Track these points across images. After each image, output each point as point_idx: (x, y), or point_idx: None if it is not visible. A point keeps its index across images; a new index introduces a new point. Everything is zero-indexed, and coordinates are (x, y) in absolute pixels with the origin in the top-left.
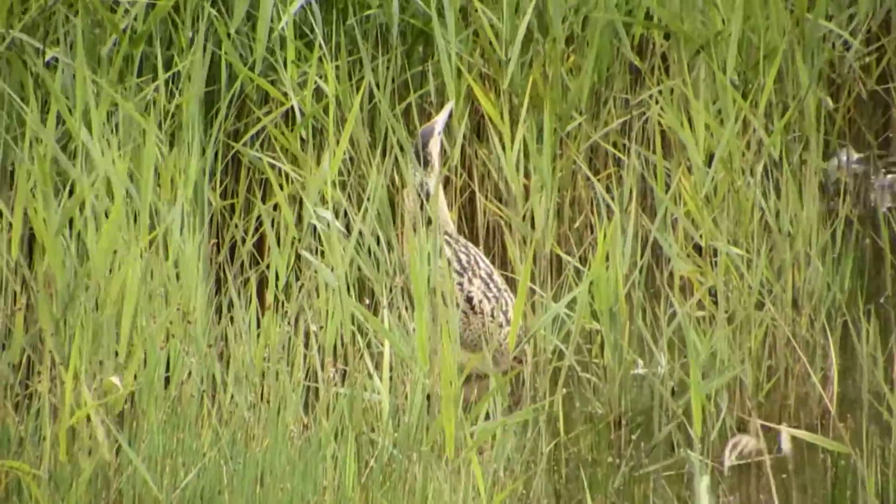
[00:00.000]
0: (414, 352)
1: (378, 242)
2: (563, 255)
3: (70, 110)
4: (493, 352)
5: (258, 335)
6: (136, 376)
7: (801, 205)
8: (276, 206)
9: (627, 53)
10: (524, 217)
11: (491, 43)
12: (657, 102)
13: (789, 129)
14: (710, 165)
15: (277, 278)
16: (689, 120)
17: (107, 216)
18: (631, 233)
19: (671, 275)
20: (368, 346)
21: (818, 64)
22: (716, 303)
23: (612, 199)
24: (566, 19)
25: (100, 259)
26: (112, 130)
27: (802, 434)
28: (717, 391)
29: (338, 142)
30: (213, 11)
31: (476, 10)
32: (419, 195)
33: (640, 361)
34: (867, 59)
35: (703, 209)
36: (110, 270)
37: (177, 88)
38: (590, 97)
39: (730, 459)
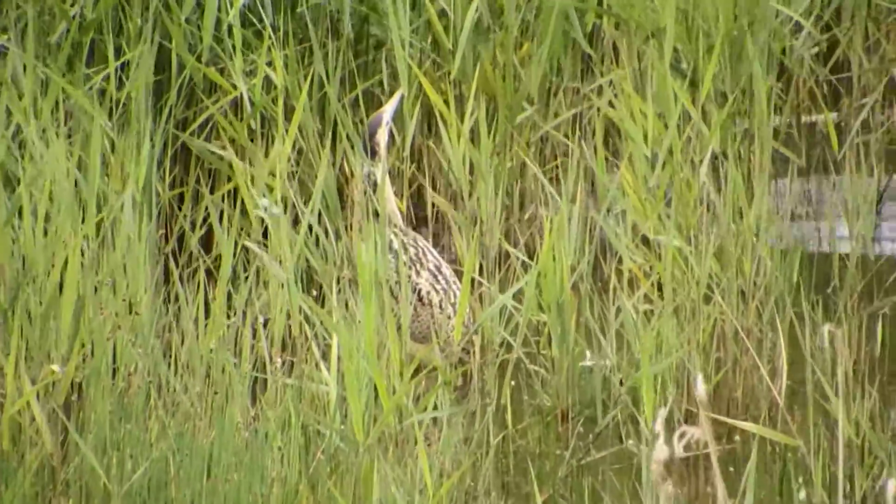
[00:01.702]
0: (361, 343)
1: (326, 233)
2: (510, 249)
3: (20, 98)
4: (442, 344)
5: (205, 326)
6: (83, 366)
7: (748, 197)
8: (224, 197)
9: (580, 40)
10: (470, 210)
11: (439, 31)
12: (608, 91)
13: (739, 118)
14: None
15: (223, 269)
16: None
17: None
18: (578, 225)
19: (619, 267)
20: (316, 336)
21: (767, 49)
22: (663, 296)
23: (562, 188)
24: (520, 8)
25: (43, 249)
26: (62, 120)
27: (750, 426)
28: (665, 383)
29: (286, 132)
30: None
31: None
32: (366, 186)
33: (588, 353)
34: (818, 48)
35: (648, 201)
36: (56, 262)
37: (126, 77)
38: (541, 87)
39: (678, 449)
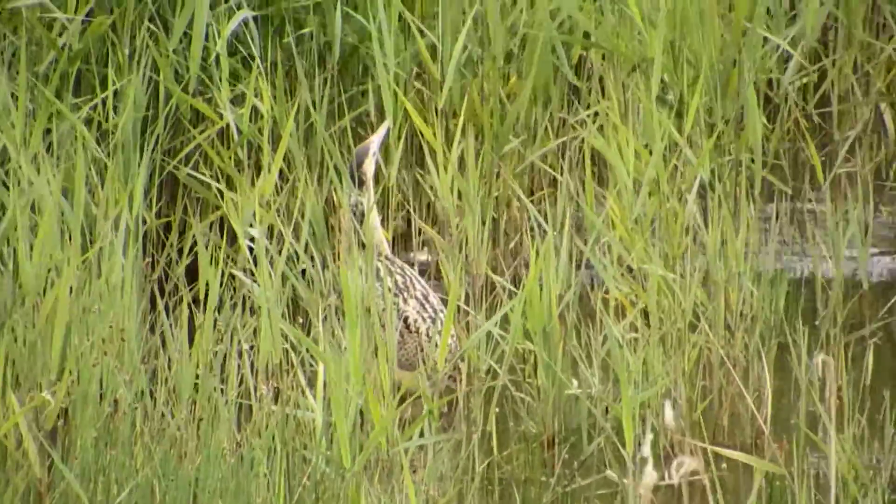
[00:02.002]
0: (347, 371)
1: (313, 261)
2: (495, 278)
3: (12, 126)
4: (428, 371)
5: (191, 353)
6: (68, 392)
7: (734, 227)
8: (211, 226)
9: (565, 71)
10: (456, 239)
11: (428, 62)
12: (593, 123)
13: (726, 150)
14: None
15: (209, 296)
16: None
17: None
18: (565, 254)
19: (606, 296)
20: (302, 363)
21: (752, 80)
22: (649, 325)
23: (547, 219)
24: (506, 40)
25: (32, 276)
26: (47, 150)
27: (736, 455)
28: (651, 411)
29: (272, 161)
30: (152, 27)
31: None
32: (353, 215)
33: (575, 382)
34: (804, 80)
35: (634, 232)
36: (45, 290)
37: (114, 107)
38: (527, 118)
39: (675, 479)
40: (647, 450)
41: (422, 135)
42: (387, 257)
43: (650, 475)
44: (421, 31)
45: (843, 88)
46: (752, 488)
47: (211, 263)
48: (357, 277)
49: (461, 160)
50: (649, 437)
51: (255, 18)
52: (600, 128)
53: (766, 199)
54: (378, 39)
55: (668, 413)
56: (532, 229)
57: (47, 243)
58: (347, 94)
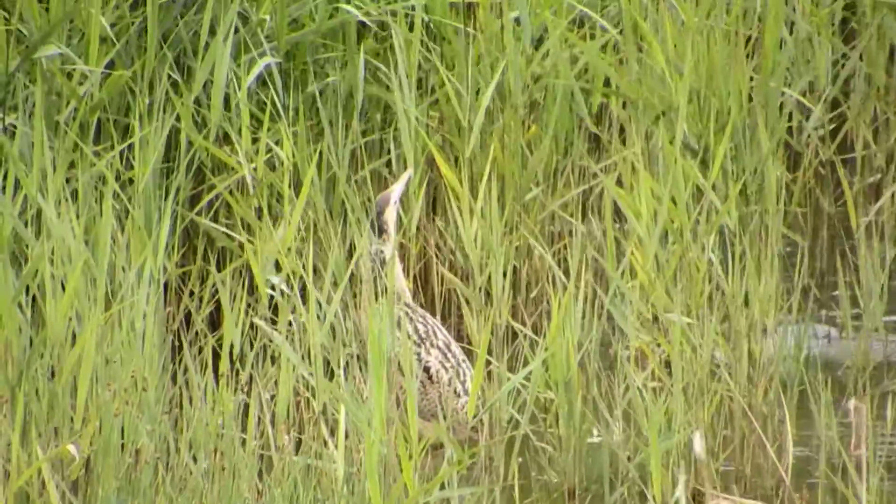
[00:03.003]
0: (371, 420)
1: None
2: (518, 327)
3: (26, 176)
4: (451, 422)
5: (212, 403)
6: (91, 443)
7: (758, 276)
8: (231, 275)
9: (586, 120)
10: (480, 288)
11: (456, 109)
12: (614, 171)
13: (749, 199)
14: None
15: (232, 346)
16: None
17: (63, 286)
18: (584, 304)
19: (627, 344)
20: (324, 412)
21: (776, 131)
22: (670, 373)
23: (570, 267)
24: (525, 88)
25: (56, 327)
26: (69, 198)
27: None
28: (674, 461)
29: (293, 208)
30: (172, 75)
31: (440, 76)
32: (375, 264)
33: (596, 430)
34: (822, 131)
35: (655, 280)
36: (66, 337)
37: (134, 156)
38: (548, 166)
39: None
40: (680, 490)
41: (445, 183)
42: (408, 305)
43: None
44: (445, 77)
45: (863, 135)
46: None
47: (231, 312)
48: (381, 326)
49: (482, 210)
50: (682, 479)
51: (277, 66)
52: (619, 181)
53: (790, 247)
54: (399, 88)
55: (698, 444)
56: (553, 278)
57: (73, 293)
58: (367, 142)
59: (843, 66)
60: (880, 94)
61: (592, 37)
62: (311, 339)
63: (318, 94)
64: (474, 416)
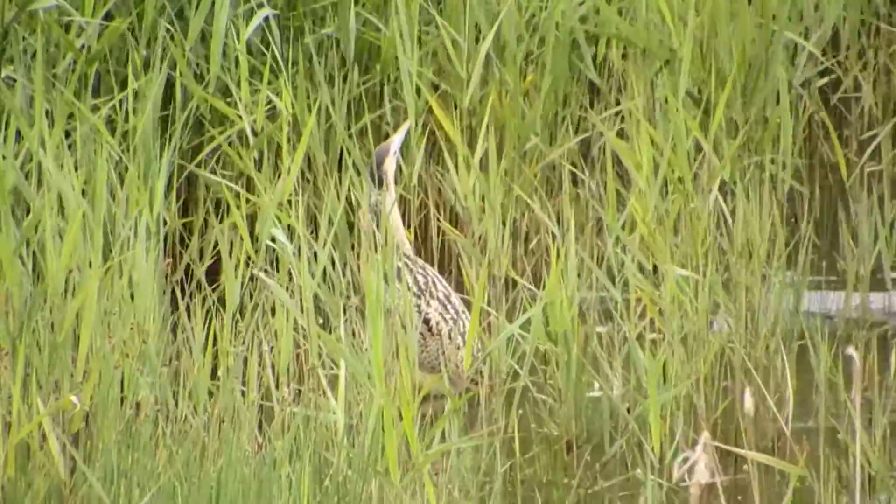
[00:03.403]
0: (370, 372)
1: (333, 264)
2: (517, 278)
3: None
4: (450, 373)
5: (212, 355)
6: (91, 396)
7: (758, 225)
8: (232, 226)
9: (586, 69)
10: (479, 238)
11: (451, 61)
12: (615, 122)
13: (750, 149)
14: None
15: (231, 298)
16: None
17: (61, 237)
18: (584, 256)
19: (627, 296)
20: (323, 366)
21: (785, 81)
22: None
23: (570, 218)
24: (521, 39)
25: (56, 279)
26: (68, 150)
27: (757, 456)
28: (672, 413)
29: (292, 160)
30: (171, 28)
31: (437, 27)
32: (374, 215)
33: (596, 384)
34: (818, 82)
35: (656, 232)
36: (66, 290)
37: (133, 108)
38: (547, 117)
39: (679, 473)
40: (700, 448)
41: (443, 134)
42: (408, 256)
43: (702, 473)
44: (443, 28)
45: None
46: (773, 490)
47: (231, 264)
48: (380, 278)
49: (481, 160)
50: (704, 435)
51: (276, 18)
52: (621, 130)
53: (790, 198)
54: (399, 38)
55: (748, 401)
56: (552, 229)
57: (73, 245)
58: (367, 93)
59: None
60: (875, 44)
61: None
62: (304, 289)
63: (313, 46)
64: (471, 366)
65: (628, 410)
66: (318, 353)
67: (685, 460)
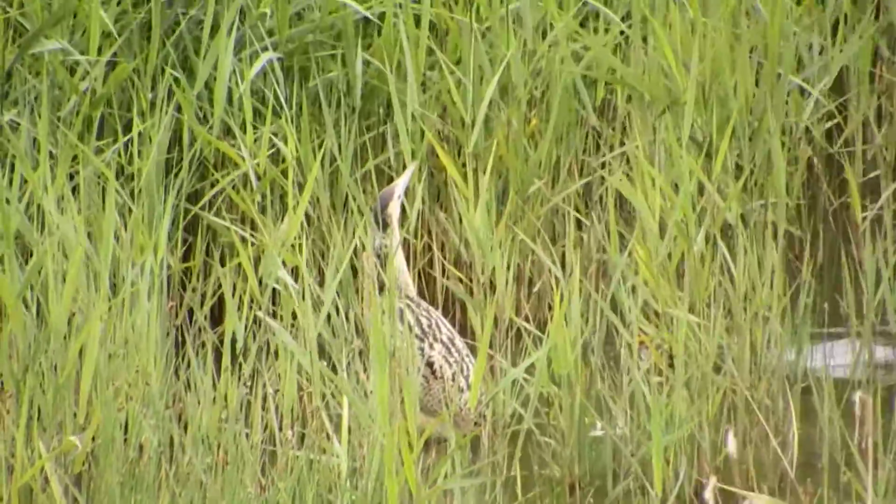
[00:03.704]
0: (374, 414)
1: (336, 307)
2: (520, 322)
3: (34, 171)
4: (454, 417)
5: (215, 398)
6: (94, 437)
7: (759, 270)
8: (235, 270)
9: (589, 113)
10: (486, 282)
11: (458, 102)
12: (619, 165)
13: (756, 193)
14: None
15: (235, 341)
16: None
17: (64, 279)
18: (586, 299)
19: (631, 340)
20: (327, 407)
21: (779, 127)
22: (673, 367)
23: (572, 260)
24: (527, 83)
25: (59, 321)
26: (72, 193)
27: (763, 498)
28: (676, 455)
29: (297, 204)
30: (175, 73)
31: (441, 71)
32: (378, 258)
33: (599, 423)
34: (827, 124)
35: (659, 275)
36: (69, 333)
37: (137, 150)
38: (550, 160)
39: None
40: (709, 492)
41: (445, 177)
42: (411, 299)
43: None
44: (449, 70)
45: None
46: None
47: (234, 306)
48: (385, 320)
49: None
50: (713, 480)
51: (280, 62)
52: (626, 171)
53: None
54: (399, 83)
55: (731, 443)
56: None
57: (74, 287)
58: (371, 136)
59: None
60: (878, 89)
61: (596, 31)
62: (307, 331)
63: (319, 88)
64: (476, 408)
65: (632, 454)
66: (321, 395)
67: None
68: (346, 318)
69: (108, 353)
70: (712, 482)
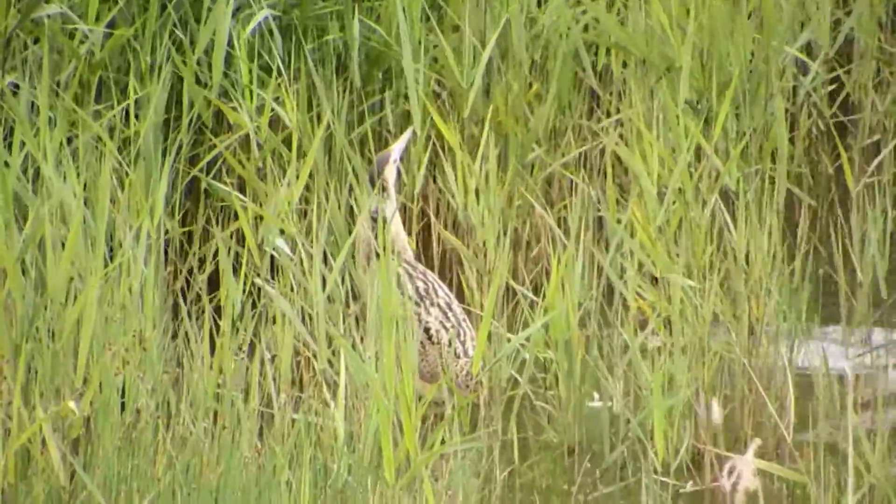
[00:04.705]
0: (373, 380)
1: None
2: (517, 287)
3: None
4: (452, 381)
5: (212, 362)
6: (91, 402)
7: (759, 235)
8: (233, 235)
9: (589, 80)
10: (480, 246)
11: (454, 68)
12: (615, 130)
13: (750, 158)
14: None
15: (233, 306)
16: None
17: (63, 244)
18: (584, 263)
19: (627, 304)
20: (323, 373)
21: (778, 90)
22: (670, 332)
23: (570, 227)
24: (528, 47)
25: (57, 286)
26: (70, 158)
27: (758, 462)
28: (672, 420)
29: (297, 172)
30: (175, 34)
31: (438, 35)
32: (374, 222)
33: (597, 395)
34: (824, 91)
35: (657, 240)
36: (66, 298)
37: (136, 114)
38: (549, 126)
39: (728, 482)
40: (750, 455)
41: (444, 143)
42: (409, 263)
43: (751, 480)
44: (445, 34)
45: (859, 97)
46: (775, 497)
47: (232, 272)
48: (384, 285)
49: (483, 169)
50: (755, 441)
51: (278, 25)
52: (621, 136)
53: (791, 206)
54: (405, 44)
55: (716, 411)
56: (553, 238)
57: (73, 252)
58: (369, 102)
59: (838, 28)
60: (878, 55)
61: None
62: (314, 295)
63: (314, 53)
64: (478, 374)
65: (628, 422)
66: (311, 361)
67: (732, 469)
68: (342, 283)
69: (106, 317)
70: (756, 443)
